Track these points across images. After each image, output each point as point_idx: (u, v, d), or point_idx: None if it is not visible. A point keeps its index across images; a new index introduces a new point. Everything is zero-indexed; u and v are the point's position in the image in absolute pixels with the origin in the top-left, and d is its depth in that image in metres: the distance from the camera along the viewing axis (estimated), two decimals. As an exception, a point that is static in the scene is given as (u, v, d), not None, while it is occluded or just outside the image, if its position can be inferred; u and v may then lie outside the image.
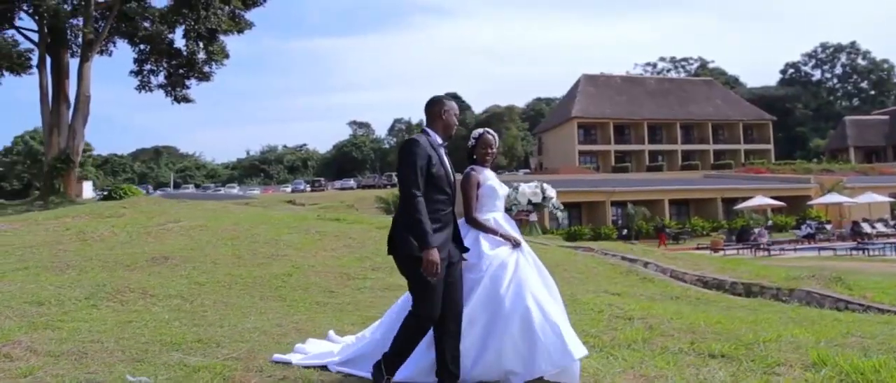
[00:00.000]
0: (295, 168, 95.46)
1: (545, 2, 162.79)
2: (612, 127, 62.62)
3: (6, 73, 27.80)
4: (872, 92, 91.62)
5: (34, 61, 27.45)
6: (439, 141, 3.60)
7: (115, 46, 30.13)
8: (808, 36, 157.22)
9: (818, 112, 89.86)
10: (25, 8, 26.74)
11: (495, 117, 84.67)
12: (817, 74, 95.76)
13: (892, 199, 37.42)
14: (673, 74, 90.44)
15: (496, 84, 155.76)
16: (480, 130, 3.96)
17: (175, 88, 30.35)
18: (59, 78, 27.25)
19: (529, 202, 4.04)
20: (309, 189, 63.34)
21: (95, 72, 27.77)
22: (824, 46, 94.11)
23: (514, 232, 3.82)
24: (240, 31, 29.69)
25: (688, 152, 63.40)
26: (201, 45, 28.92)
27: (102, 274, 7.51)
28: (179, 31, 28.79)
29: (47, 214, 15.04)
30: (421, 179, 3.37)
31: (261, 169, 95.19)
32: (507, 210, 3.96)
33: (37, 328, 4.81)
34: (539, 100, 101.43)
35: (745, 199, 35.70)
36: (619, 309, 5.76)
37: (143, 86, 30.26)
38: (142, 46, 29.47)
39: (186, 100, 30.85)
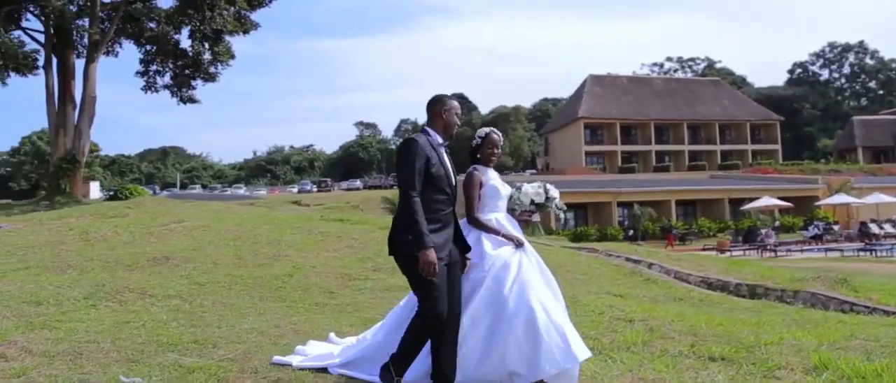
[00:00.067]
0: (301, 168, 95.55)
1: (545, 2, 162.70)
2: (618, 127, 62.30)
3: (13, 74, 27.94)
4: (881, 92, 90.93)
5: (40, 62, 27.53)
6: (439, 140, 3.55)
7: (120, 47, 30.21)
8: (813, 36, 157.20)
9: (826, 112, 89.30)
10: (32, 9, 26.80)
11: (502, 118, 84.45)
12: (825, 74, 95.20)
13: (900, 200, 37.15)
14: (680, 74, 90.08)
15: (501, 84, 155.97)
16: (487, 129, 3.92)
17: (181, 89, 30.38)
18: (65, 78, 27.31)
19: (532, 202, 4.00)
20: (315, 189, 63.53)
21: (101, 72, 27.98)
22: (832, 46, 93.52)
23: (516, 232, 3.78)
24: (245, 32, 29.72)
25: (695, 153, 63.07)
26: (207, 45, 28.96)
27: (103, 274, 7.51)
28: (185, 31, 28.84)
29: (52, 214, 15.13)
30: (418, 179, 3.33)
31: (267, 169, 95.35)
32: (510, 210, 3.92)
33: (34, 328, 4.80)
34: (546, 100, 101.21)
35: (752, 200, 35.42)
36: (620, 311, 5.72)
37: (149, 86, 30.29)
38: (147, 47, 29.49)
39: (192, 100, 30.88)
